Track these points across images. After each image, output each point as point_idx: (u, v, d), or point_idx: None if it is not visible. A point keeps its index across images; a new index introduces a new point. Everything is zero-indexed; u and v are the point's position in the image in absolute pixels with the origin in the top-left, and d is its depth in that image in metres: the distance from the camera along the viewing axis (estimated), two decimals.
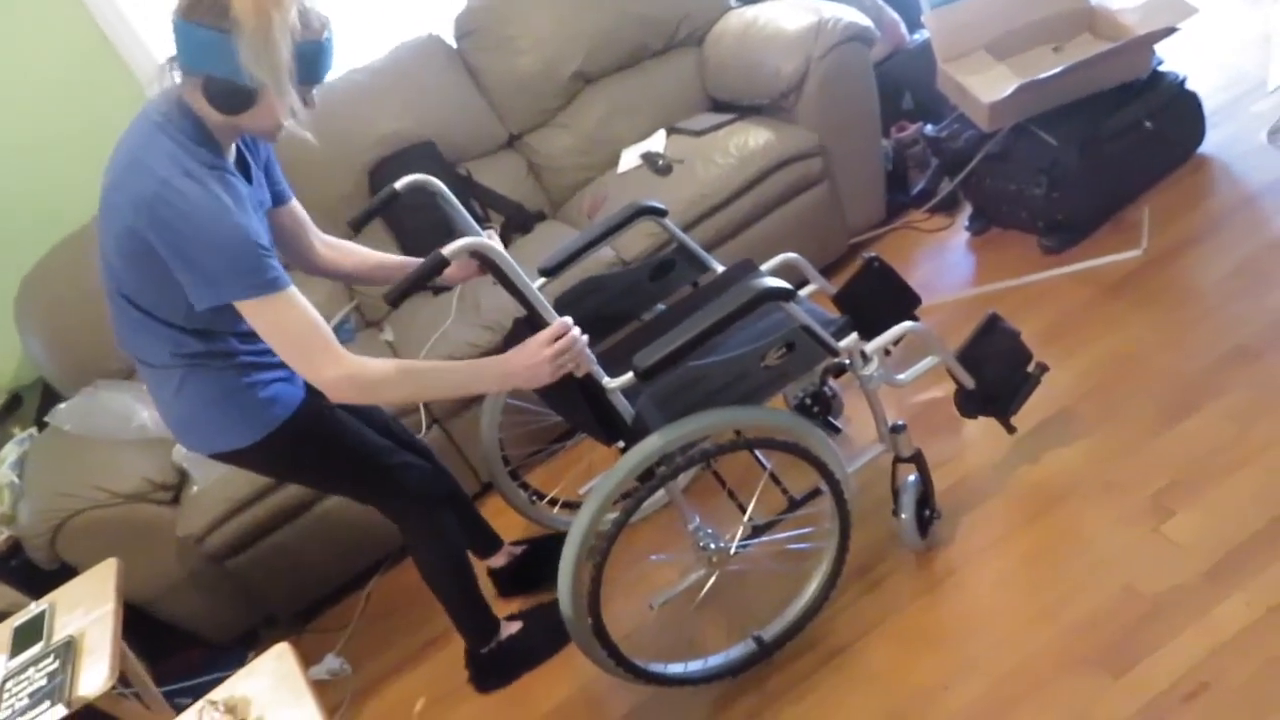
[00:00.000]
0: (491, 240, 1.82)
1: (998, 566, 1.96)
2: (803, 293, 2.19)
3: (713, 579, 1.95)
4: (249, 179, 1.61)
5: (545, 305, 1.63)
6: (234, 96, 1.40)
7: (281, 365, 1.74)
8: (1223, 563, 1.76)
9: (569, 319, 1.60)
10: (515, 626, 2.20)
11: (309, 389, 1.79)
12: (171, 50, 1.42)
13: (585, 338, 1.62)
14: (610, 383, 1.67)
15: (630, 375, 1.62)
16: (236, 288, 1.45)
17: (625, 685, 2.04)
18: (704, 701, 1.96)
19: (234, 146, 1.58)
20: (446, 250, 1.49)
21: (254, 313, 1.48)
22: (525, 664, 2.20)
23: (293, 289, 1.50)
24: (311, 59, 1.43)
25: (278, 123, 1.47)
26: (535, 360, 1.58)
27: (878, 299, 2.05)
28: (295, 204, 1.84)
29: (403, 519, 1.98)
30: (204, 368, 1.63)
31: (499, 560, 2.38)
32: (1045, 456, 2.13)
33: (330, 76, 3.18)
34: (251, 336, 1.66)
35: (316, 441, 1.80)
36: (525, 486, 2.35)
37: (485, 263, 1.64)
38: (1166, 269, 2.49)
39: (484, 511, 2.34)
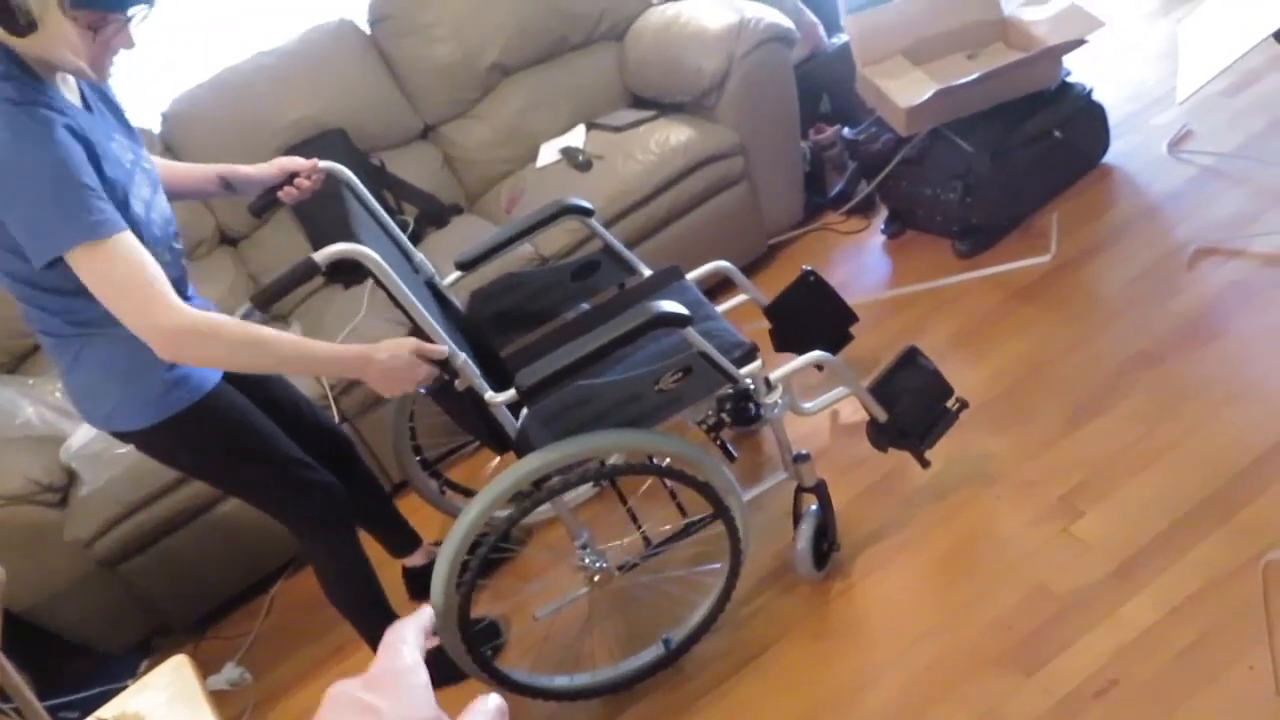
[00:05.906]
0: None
1: (913, 567, 1.97)
2: (733, 302, 2.17)
3: (594, 594, 1.90)
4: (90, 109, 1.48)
5: (425, 315, 1.54)
6: (8, 14, 1.25)
7: None
8: (1129, 562, 1.81)
9: (448, 349, 1.55)
10: (433, 640, 2.11)
11: (227, 376, 1.69)
12: None
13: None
14: (493, 397, 1.61)
15: (513, 391, 1.58)
16: (64, 233, 1.30)
17: None
18: (622, 705, 1.93)
19: (70, 79, 1.45)
20: (318, 255, 1.45)
21: (84, 263, 1.32)
22: (444, 680, 2.12)
23: (127, 234, 1.36)
24: None
25: (72, 54, 1.31)
26: (401, 375, 1.52)
27: (811, 314, 2.03)
28: None
29: (305, 538, 1.89)
30: (104, 335, 1.49)
31: (417, 560, 2.29)
32: (959, 457, 2.16)
33: (237, 58, 3.00)
34: None
35: (223, 438, 1.69)
36: (437, 475, 2.28)
37: (368, 273, 1.54)
38: (1073, 275, 2.55)
39: (404, 508, 2.26)
